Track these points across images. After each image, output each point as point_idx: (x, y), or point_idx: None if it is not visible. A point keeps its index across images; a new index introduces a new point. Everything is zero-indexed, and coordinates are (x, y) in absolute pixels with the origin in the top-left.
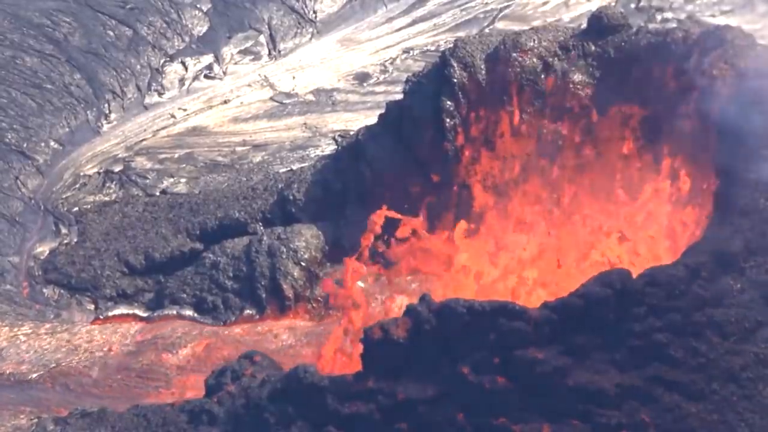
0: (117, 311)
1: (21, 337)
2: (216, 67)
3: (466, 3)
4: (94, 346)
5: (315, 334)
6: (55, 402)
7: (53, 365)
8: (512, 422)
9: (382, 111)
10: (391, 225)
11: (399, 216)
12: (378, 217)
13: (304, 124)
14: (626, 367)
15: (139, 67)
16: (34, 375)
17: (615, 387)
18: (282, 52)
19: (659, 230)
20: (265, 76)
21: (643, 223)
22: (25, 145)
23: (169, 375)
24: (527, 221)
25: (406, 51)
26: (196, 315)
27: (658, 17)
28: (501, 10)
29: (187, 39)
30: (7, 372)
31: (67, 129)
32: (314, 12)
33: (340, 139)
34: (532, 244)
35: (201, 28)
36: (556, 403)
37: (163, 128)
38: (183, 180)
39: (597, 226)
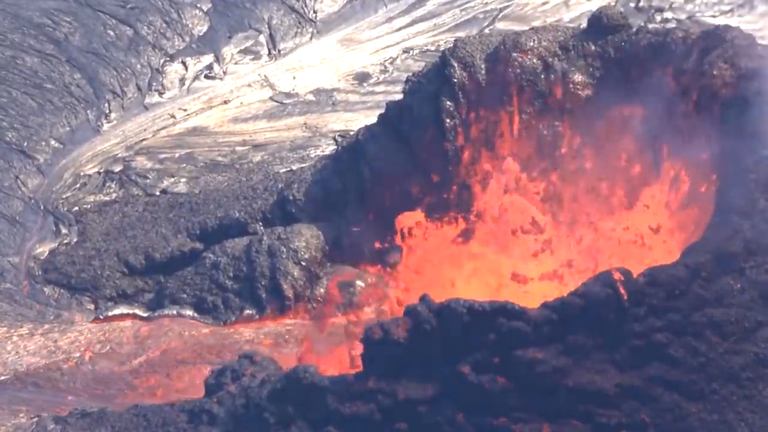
0: (117, 311)
1: (14, 338)
2: (216, 67)
3: (466, 3)
4: (73, 348)
5: (275, 333)
6: (39, 402)
7: (23, 369)
8: (512, 422)
9: (382, 111)
10: (390, 228)
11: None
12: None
13: (304, 124)
14: (626, 367)
15: (139, 66)
16: (2, 377)
17: (615, 387)
18: (282, 52)
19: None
20: (265, 76)
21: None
22: (25, 144)
23: (127, 379)
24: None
25: (406, 51)
26: (196, 315)
27: (658, 17)
28: (501, 10)
29: (187, 39)
30: None
31: (67, 128)
32: (314, 12)
33: (340, 139)
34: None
35: (201, 28)
36: (556, 403)
37: (163, 128)
38: (183, 180)
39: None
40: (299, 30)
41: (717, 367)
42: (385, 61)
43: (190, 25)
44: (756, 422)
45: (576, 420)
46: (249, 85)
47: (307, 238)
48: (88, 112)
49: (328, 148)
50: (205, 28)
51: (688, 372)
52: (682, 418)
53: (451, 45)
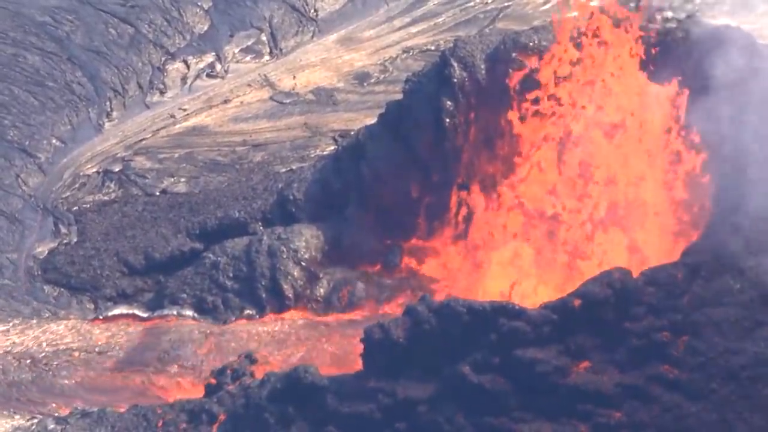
0: (117, 311)
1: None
2: (218, 66)
3: (466, 2)
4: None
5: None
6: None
7: (13, 363)
8: (512, 422)
9: (382, 111)
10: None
11: None
12: None
13: (305, 123)
14: (626, 367)
15: (140, 65)
16: None
17: (615, 387)
18: (283, 51)
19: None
20: (265, 76)
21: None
22: (27, 142)
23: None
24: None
25: (407, 50)
26: (196, 315)
27: (658, 17)
28: (501, 9)
29: (188, 37)
30: None
31: (69, 126)
32: (315, 10)
33: (340, 139)
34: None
35: (202, 26)
36: (556, 403)
37: (163, 128)
38: (183, 180)
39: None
40: (300, 28)
41: (717, 367)
42: (386, 60)
43: (191, 24)
44: (756, 422)
45: (576, 420)
46: (249, 85)
47: (307, 238)
48: (90, 110)
49: (328, 147)
50: (206, 27)
51: (688, 371)
52: (682, 418)
53: (451, 45)
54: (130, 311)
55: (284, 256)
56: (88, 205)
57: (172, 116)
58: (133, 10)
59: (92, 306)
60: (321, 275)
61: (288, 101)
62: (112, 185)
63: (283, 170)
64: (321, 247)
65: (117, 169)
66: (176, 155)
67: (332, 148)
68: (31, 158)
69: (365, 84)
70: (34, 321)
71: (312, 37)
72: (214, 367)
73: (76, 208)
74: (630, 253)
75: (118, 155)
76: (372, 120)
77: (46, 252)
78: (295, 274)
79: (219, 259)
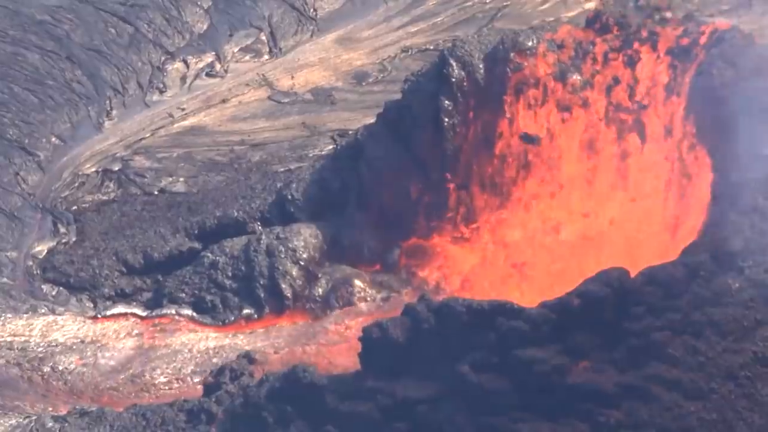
0: (115, 310)
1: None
2: (217, 65)
3: (465, 2)
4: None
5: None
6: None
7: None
8: (512, 422)
9: (381, 110)
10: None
11: None
12: None
13: (303, 123)
14: (625, 367)
15: (140, 64)
16: None
17: (614, 386)
18: (282, 50)
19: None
20: (263, 75)
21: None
22: (26, 141)
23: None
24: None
25: (405, 50)
26: (194, 314)
27: (657, 16)
28: (499, 9)
29: (187, 36)
30: None
31: (68, 125)
32: (314, 10)
33: (338, 139)
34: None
35: (202, 26)
36: (556, 402)
37: (162, 127)
38: (181, 179)
39: None
40: (299, 28)
41: (716, 366)
42: (384, 60)
43: (191, 23)
44: (755, 421)
45: (575, 419)
46: (247, 84)
47: (305, 238)
48: (89, 108)
49: (327, 147)
50: (205, 26)
51: (688, 371)
52: (682, 417)
53: (450, 44)
54: (129, 310)
55: (283, 256)
56: (87, 205)
57: (170, 115)
58: (133, 9)
59: (91, 305)
60: (320, 275)
61: (286, 101)
62: (111, 184)
63: (282, 170)
64: (320, 247)
65: (116, 169)
66: (175, 155)
67: (331, 147)
68: (31, 156)
69: (364, 83)
70: (27, 315)
71: (311, 36)
72: (85, 379)
73: (75, 207)
74: None
75: (118, 154)
76: (371, 119)
77: (45, 251)
78: (294, 273)
79: (218, 258)
